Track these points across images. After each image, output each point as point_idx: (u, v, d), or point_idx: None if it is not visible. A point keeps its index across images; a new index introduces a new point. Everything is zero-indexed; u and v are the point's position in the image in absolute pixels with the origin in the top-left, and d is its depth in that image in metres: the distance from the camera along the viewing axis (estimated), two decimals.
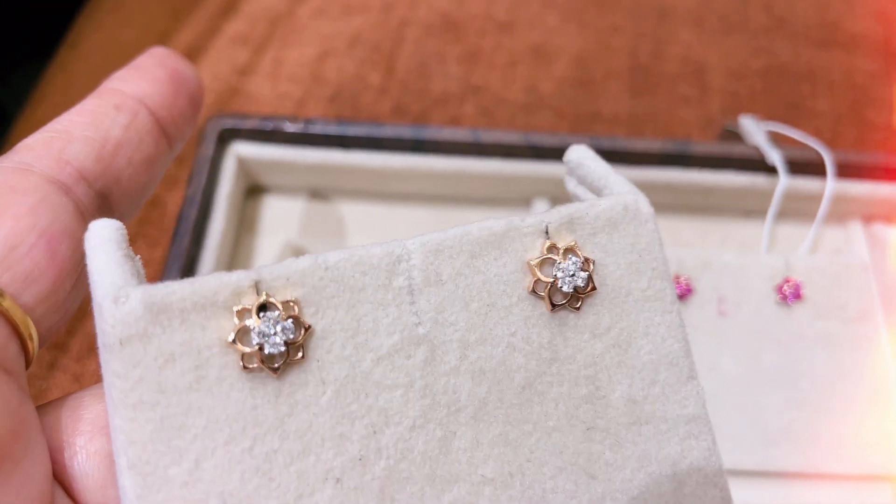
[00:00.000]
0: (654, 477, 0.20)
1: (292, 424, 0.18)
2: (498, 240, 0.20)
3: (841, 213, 0.41)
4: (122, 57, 0.55)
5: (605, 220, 0.21)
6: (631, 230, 0.21)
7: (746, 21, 0.56)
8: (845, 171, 0.40)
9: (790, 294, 0.36)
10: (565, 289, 0.19)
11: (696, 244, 0.42)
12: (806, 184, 0.40)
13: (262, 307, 0.17)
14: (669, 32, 0.55)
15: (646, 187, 0.40)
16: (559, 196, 0.41)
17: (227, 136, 0.39)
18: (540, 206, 0.41)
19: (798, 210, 0.41)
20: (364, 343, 0.18)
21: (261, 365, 0.17)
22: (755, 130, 0.41)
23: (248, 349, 0.17)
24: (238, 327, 0.17)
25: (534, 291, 0.20)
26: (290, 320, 0.18)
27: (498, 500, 0.19)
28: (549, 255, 0.20)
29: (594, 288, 0.20)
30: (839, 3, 0.57)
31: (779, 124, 0.42)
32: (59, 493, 0.18)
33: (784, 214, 0.41)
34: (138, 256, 0.19)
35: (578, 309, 0.20)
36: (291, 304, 0.18)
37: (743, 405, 0.35)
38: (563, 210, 0.20)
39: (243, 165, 0.39)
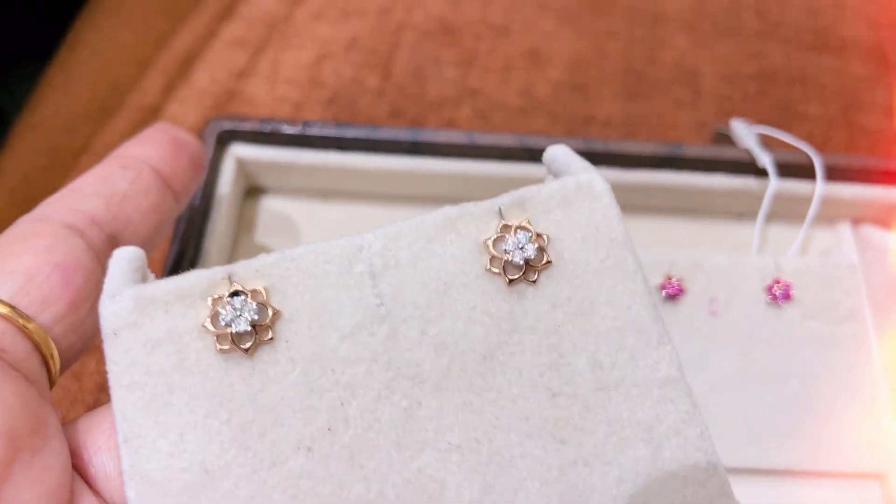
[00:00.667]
0: (628, 441, 0.20)
1: (265, 399, 0.19)
2: (452, 223, 0.21)
3: (830, 215, 0.42)
4: (120, 58, 0.55)
5: (558, 199, 0.21)
6: (585, 206, 0.21)
7: (739, 26, 0.57)
8: (834, 173, 0.40)
9: (780, 295, 0.37)
10: (516, 260, 0.20)
11: (688, 245, 0.42)
12: (796, 186, 0.40)
13: (234, 295, 0.20)
14: (663, 37, 0.56)
15: (639, 189, 0.40)
16: None
17: (226, 138, 0.39)
18: None
19: (788, 212, 0.42)
20: (329, 323, 0.20)
21: (232, 345, 0.19)
22: (746, 134, 0.41)
23: (220, 331, 0.19)
24: (212, 312, 0.19)
25: (490, 269, 0.20)
26: (255, 304, 0.20)
27: (466, 465, 0.19)
28: (503, 234, 0.21)
29: (549, 261, 0.21)
30: (831, 8, 0.58)
31: (769, 128, 0.43)
32: (81, 485, 0.20)
33: (775, 216, 0.42)
34: (153, 275, 0.22)
35: (535, 282, 0.21)
36: (259, 291, 0.20)
37: (733, 404, 0.36)
38: (516, 192, 0.21)
39: (242, 167, 0.40)
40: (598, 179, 0.22)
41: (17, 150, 0.51)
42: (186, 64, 0.53)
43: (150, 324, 0.19)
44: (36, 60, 0.59)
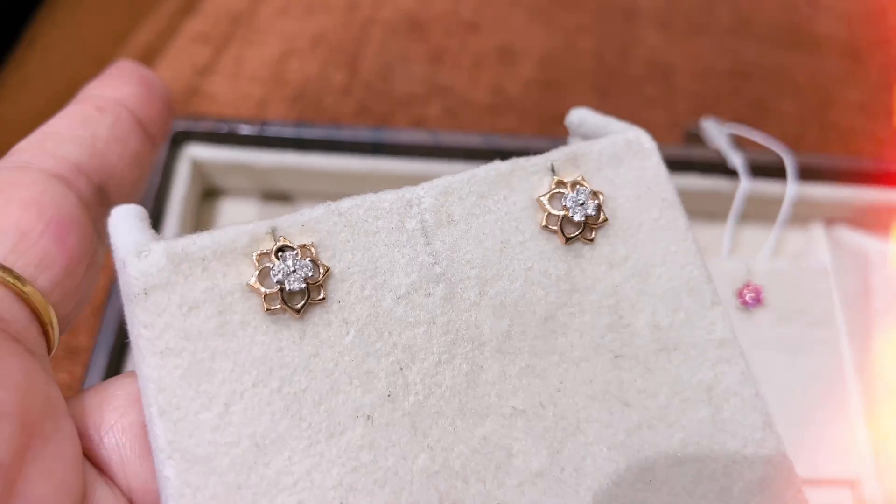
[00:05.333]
0: (690, 403, 0.20)
1: (319, 364, 0.18)
2: (505, 179, 0.20)
3: (803, 215, 0.41)
4: (78, 55, 0.53)
5: (609, 155, 0.21)
6: (636, 163, 0.21)
7: (712, 22, 0.56)
8: (807, 173, 0.40)
9: (751, 299, 0.36)
10: (577, 218, 0.20)
11: None
12: (767, 186, 0.40)
13: (280, 251, 0.18)
14: (635, 33, 0.55)
15: None
16: None
17: (180, 139, 0.38)
18: None
19: (760, 213, 0.41)
20: (383, 283, 0.19)
21: (283, 305, 0.18)
22: (717, 134, 0.40)
23: (269, 290, 0.18)
24: (259, 269, 0.18)
25: (546, 226, 0.20)
26: (308, 260, 0.18)
27: (532, 431, 0.19)
28: (558, 190, 0.20)
29: (605, 219, 0.20)
30: (805, 5, 0.58)
31: (741, 126, 0.42)
32: (91, 471, 0.18)
33: (746, 217, 0.41)
34: (160, 234, 0.20)
35: (592, 241, 0.20)
36: (308, 247, 0.18)
37: None
38: (567, 148, 0.21)
39: (198, 168, 0.39)
40: (645, 136, 0.21)
41: None
42: (147, 60, 0.52)
43: (185, 283, 0.17)
44: None
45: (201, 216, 0.40)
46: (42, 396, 0.17)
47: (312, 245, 0.18)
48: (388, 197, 0.19)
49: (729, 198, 0.40)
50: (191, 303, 0.18)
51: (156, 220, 0.36)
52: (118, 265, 0.18)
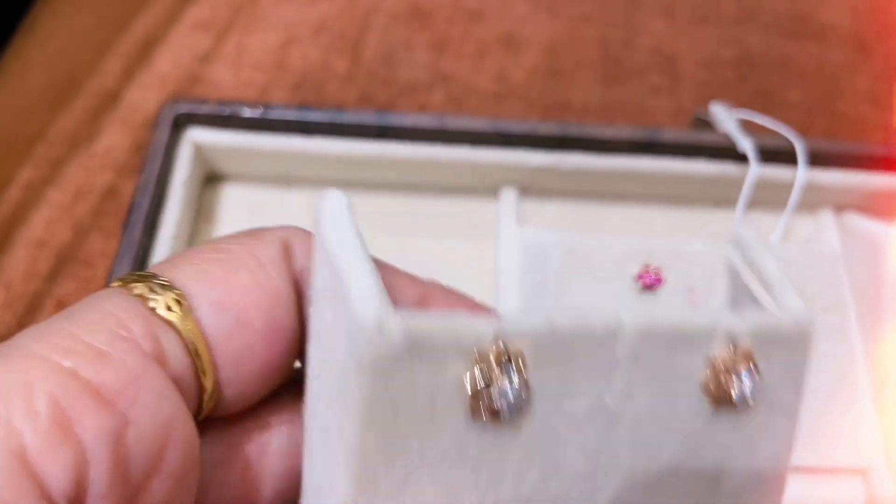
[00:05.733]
0: None
1: (485, 463, 0.19)
2: (693, 335, 0.21)
3: (812, 202, 0.41)
4: (78, 42, 0.53)
5: (777, 335, 0.21)
6: (793, 348, 0.22)
7: (718, 11, 0.56)
8: (816, 159, 0.39)
9: None
10: (734, 395, 0.20)
11: (666, 234, 0.41)
12: (777, 172, 0.39)
13: (500, 361, 0.19)
14: (640, 22, 0.55)
15: (615, 175, 0.39)
16: (528, 184, 0.40)
17: (182, 122, 0.37)
18: (508, 195, 0.40)
19: (769, 199, 0.40)
20: (561, 404, 0.20)
21: (488, 415, 0.19)
22: (726, 118, 0.40)
23: (477, 397, 0.19)
24: (477, 377, 0.19)
25: (707, 387, 0.20)
26: (521, 382, 0.19)
27: None
28: (730, 358, 0.21)
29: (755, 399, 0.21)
30: None
31: (750, 111, 0.41)
32: None
33: (755, 203, 0.41)
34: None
35: (734, 413, 0.21)
36: (521, 359, 0.19)
37: None
38: (752, 320, 0.21)
39: (200, 152, 0.38)
40: (813, 324, 0.22)
41: None
42: (147, 48, 0.51)
43: (411, 365, 0.18)
44: None
45: (203, 201, 0.40)
46: (197, 458, 0.18)
47: (525, 358, 0.19)
48: (598, 322, 0.20)
49: (737, 183, 0.39)
50: (409, 385, 0.18)
51: (157, 206, 0.35)
52: (346, 319, 0.18)
